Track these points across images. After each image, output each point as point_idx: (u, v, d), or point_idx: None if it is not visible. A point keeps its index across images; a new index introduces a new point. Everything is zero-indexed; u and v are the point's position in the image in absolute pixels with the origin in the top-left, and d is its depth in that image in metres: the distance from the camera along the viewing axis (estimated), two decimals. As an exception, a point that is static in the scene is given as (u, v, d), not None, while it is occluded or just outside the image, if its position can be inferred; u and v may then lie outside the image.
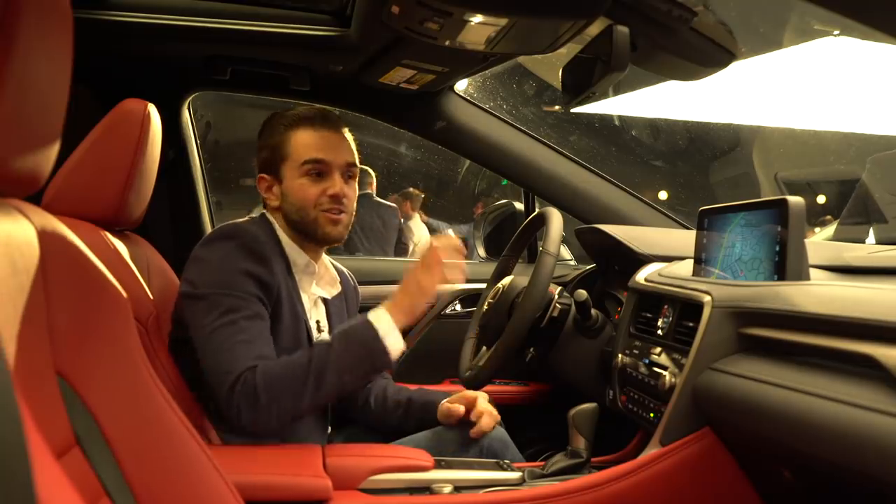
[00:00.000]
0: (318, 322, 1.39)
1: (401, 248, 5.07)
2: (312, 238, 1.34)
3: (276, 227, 1.34)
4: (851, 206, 1.79)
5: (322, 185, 1.31)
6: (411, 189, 6.06)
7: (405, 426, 1.43)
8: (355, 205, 1.38)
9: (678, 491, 1.10)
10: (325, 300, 1.43)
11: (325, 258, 1.44)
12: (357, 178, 1.38)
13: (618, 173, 2.01)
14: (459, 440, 1.33)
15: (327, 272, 1.43)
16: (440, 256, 1.22)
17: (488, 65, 1.61)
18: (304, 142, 1.31)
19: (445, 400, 1.40)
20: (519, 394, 1.89)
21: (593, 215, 1.91)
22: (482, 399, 1.37)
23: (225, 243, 1.24)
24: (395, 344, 1.18)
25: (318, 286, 1.40)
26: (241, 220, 1.35)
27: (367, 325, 1.18)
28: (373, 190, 4.87)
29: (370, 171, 4.83)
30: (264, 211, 1.38)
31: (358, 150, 1.39)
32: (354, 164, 1.35)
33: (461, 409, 1.35)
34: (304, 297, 1.35)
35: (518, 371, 1.88)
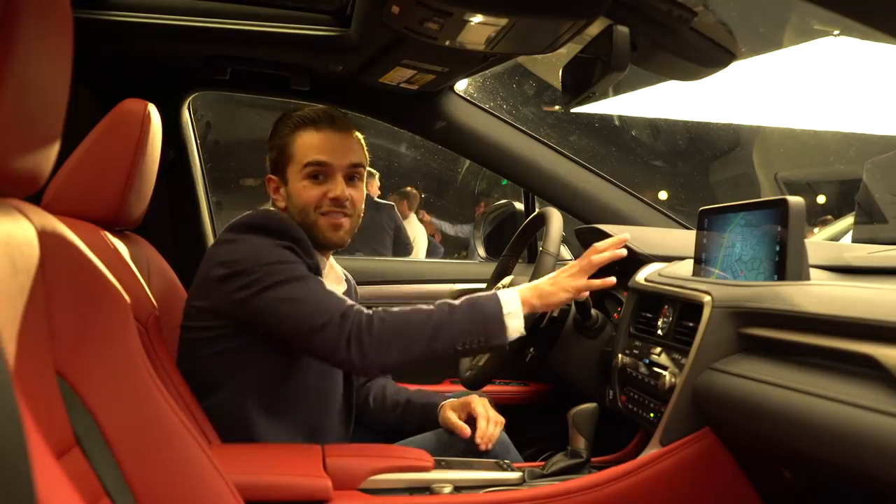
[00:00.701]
0: None
1: (401, 248, 5.05)
2: (314, 242, 1.33)
3: None
4: (860, 210, 1.82)
5: (323, 188, 1.30)
6: (409, 188, 6.06)
7: (403, 426, 1.43)
8: (362, 206, 1.36)
9: (678, 491, 1.10)
10: None
11: (331, 257, 1.44)
12: (364, 180, 1.36)
13: (618, 173, 2.01)
14: (460, 441, 1.33)
15: (332, 270, 1.43)
16: (598, 261, 1.21)
17: (488, 65, 1.61)
18: (307, 143, 1.30)
19: (446, 403, 1.39)
20: (519, 394, 1.89)
21: (593, 215, 1.91)
22: (482, 414, 1.33)
23: (255, 229, 1.24)
24: (515, 326, 1.18)
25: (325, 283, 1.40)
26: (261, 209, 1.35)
27: (494, 299, 1.18)
28: (371, 190, 4.83)
29: (373, 171, 4.80)
30: (273, 209, 1.38)
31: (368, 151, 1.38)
32: (359, 165, 1.33)
33: (468, 430, 1.32)
34: None
35: (518, 371, 1.88)
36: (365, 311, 1.16)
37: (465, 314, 1.17)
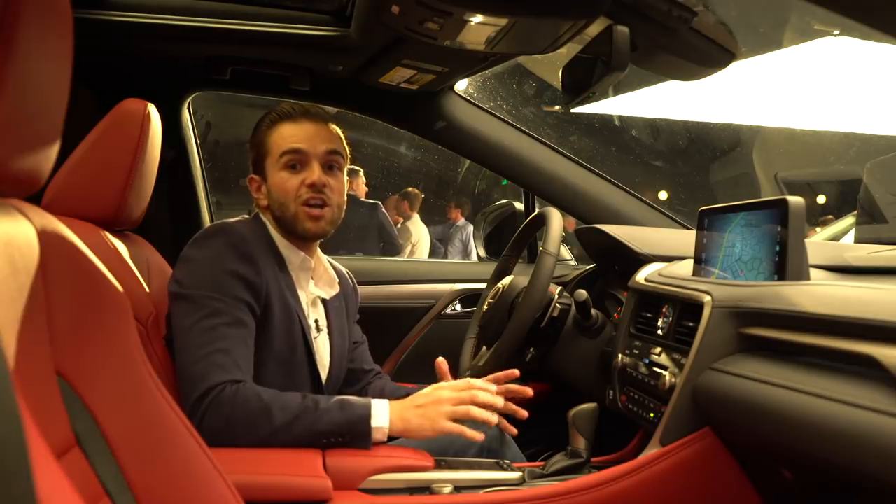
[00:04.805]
0: (316, 321, 1.38)
1: (387, 246, 5.02)
2: (295, 234, 1.32)
3: (269, 225, 1.34)
4: (861, 210, 1.83)
5: (301, 176, 1.29)
6: (411, 189, 6.07)
7: None
8: (343, 197, 1.35)
9: (678, 491, 1.10)
10: (324, 300, 1.42)
11: (323, 258, 1.43)
12: (343, 170, 1.35)
13: (618, 173, 2.01)
14: (459, 440, 1.33)
15: (326, 272, 1.42)
16: (477, 398, 1.18)
17: (488, 65, 1.61)
18: (283, 135, 1.30)
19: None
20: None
21: (593, 215, 1.91)
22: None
23: (212, 242, 1.24)
24: (378, 436, 1.15)
25: (316, 286, 1.39)
26: (231, 219, 1.34)
27: (366, 416, 1.14)
28: (357, 189, 4.76)
29: (356, 168, 4.71)
30: (258, 211, 1.38)
31: (350, 146, 1.37)
32: (336, 152, 1.32)
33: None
34: (302, 295, 1.34)
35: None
36: (228, 389, 1.11)
37: (333, 413, 1.13)
